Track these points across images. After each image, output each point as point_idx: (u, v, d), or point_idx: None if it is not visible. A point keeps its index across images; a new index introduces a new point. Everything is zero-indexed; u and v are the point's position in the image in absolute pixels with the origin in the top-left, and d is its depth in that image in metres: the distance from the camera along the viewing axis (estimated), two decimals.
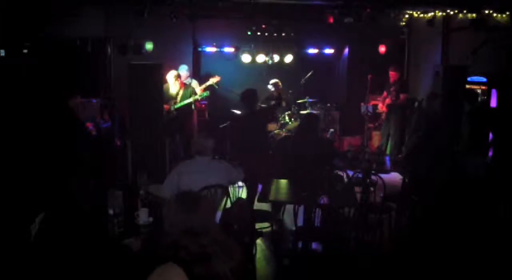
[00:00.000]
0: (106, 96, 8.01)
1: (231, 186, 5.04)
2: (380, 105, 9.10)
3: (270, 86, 9.13)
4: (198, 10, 8.46)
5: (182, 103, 7.99)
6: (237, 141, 6.46)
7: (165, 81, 7.90)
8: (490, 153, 7.00)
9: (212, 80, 8.35)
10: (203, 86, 8.37)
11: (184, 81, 8.30)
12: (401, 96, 8.73)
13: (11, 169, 5.62)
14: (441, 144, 6.59)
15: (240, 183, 5.23)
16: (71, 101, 6.63)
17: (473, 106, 6.73)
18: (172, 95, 7.99)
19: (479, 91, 7.59)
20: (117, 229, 3.76)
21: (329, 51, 10.15)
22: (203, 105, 9.21)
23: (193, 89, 8.19)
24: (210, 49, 9.57)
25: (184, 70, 8.44)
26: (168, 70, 8.09)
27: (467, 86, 7.66)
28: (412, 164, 6.69)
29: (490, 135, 6.86)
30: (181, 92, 8.09)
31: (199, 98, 8.14)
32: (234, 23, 9.28)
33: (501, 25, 7.83)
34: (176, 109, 8.00)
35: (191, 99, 7.96)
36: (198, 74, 9.55)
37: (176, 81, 8.05)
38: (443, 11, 8.49)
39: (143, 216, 3.94)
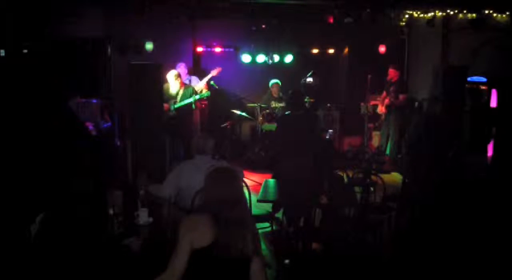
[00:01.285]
0: (106, 96, 8.01)
1: None
2: (379, 107, 9.11)
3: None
4: (198, 10, 8.46)
5: (182, 103, 7.98)
6: (285, 141, 5.96)
7: (165, 81, 7.90)
8: (490, 153, 7.01)
9: (213, 72, 8.33)
10: (205, 79, 8.35)
11: (184, 80, 8.31)
12: (400, 96, 8.72)
13: (11, 169, 5.62)
14: (441, 144, 6.59)
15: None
16: (71, 101, 6.64)
17: (475, 105, 6.72)
18: (172, 95, 7.99)
19: (481, 90, 7.60)
20: (117, 229, 3.76)
21: (329, 51, 10.15)
22: (204, 105, 9.21)
23: (193, 89, 8.19)
24: (210, 49, 9.57)
25: (182, 67, 8.44)
26: (168, 70, 8.09)
27: (470, 85, 7.67)
28: (412, 164, 6.68)
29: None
30: (181, 92, 8.08)
31: (199, 97, 8.13)
32: (234, 23, 9.28)
33: (501, 25, 7.84)
34: (176, 109, 8.00)
35: (191, 99, 7.96)
36: (198, 74, 9.55)
37: (176, 80, 8.05)
38: (443, 11, 8.49)
39: (143, 216, 3.94)
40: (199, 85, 8.35)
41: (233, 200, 2.76)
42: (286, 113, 6.20)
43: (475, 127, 6.50)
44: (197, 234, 2.69)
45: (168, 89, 7.96)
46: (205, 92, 8.16)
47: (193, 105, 8.14)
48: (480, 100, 6.93)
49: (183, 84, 8.16)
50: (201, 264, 2.70)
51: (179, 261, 2.68)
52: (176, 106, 7.99)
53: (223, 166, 3.16)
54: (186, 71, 8.56)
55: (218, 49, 9.60)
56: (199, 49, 9.52)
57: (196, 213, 2.83)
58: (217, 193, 2.78)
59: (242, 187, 2.95)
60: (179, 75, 8.14)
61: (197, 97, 8.03)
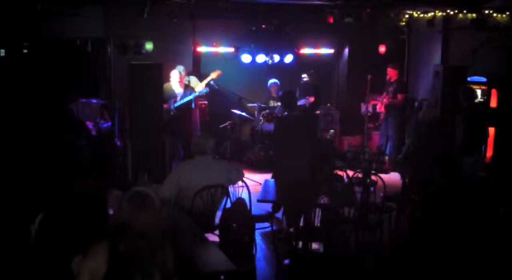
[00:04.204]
0: (106, 96, 8.01)
1: (231, 186, 5.04)
2: (378, 106, 9.11)
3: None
4: (198, 10, 8.45)
5: (182, 101, 7.99)
6: (283, 142, 5.91)
7: (167, 80, 7.90)
8: (485, 153, 7.02)
9: (213, 75, 8.33)
10: (204, 81, 8.35)
11: (184, 80, 8.31)
12: (399, 96, 8.72)
13: (11, 169, 5.62)
14: (441, 144, 6.59)
15: (240, 183, 5.23)
16: (69, 100, 6.64)
17: (468, 104, 6.71)
18: (173, 94, 7.99)
19: (478, 91, 7.59)
20: None
21: (329, 51, 10.15)
22: (204, 105, 9.21)
23: (193, 89, 8.19)
24: (210, 49, 9.57)
25: (181, 70, 8.44)
26: (169, 70, 8.09)
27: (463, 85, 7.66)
28: (412, 164, 6.69)
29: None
30: (182, 92, 8.10)
31: (198, 94, 8.11)
32: (234, 23, 9.27)
33: (501, 25, 7.83)
34: (176, 108, 8.00)
35: (191, 97, 7.96)
36: (198, 74, 9.55)
37: (179, 80, 8.06)
38: (443, 11, 8.48)
39: None
40: (198, 87, 8.35)
41: (133, 231, 2.35)
42: (283, 114, 6.21)
43: (469, 127, 6.49)
44: (94, 264, 2.40)
45: (169, 87, 7.95)
46: (204, 89, 8.15)
47: (193, 104, 8.13)
48: (474, 100, 6.92)
49: (183, 84, 8.17)
50: None
51: None
52: (176, 105, 7.99)
53: (140, 191, 2.74)
54: (185, 73, 8.55)
55: (218, 49, 9.60)
56: (199, 49, 9.52)
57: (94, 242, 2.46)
58: (122, 220, 2.46)
59: (151, 216, 2.52)
60: (180, 75, 8.15)
61: (197, 94, 8.03)
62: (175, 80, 8.00)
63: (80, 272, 2.43)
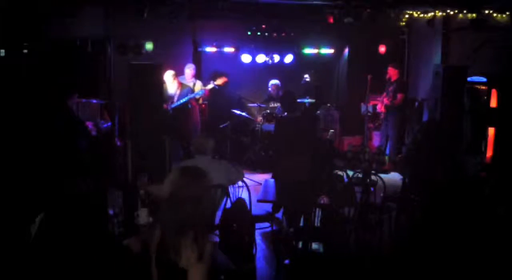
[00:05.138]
0: (106, 96, 8.01)
1: (231, 186, 5.04)
2: (378, 106, 9.11)
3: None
4: (198, 10, 8.46)
5: (178, 103, 8.00)
6: (283, 143, 5.93)
7: (163, 81, 7.91)
8: (486, 153, 7.01)
9: (218, 81, 8.33)
10: (208, 87, 8.35)
11: (189, 81, 8.31)
12: (398, 96, 8.72)
13: (11, 169, 5.62)
14: (441, 144, 6.59)
15: (240, 183, 5.23)
16: (70, 100, 6.63)
17: (474, 105, 6.72)
18: (169, 95, 8.00)
19: (480, 90, 7.60)
20: (117, 229, 3.76)
21: (329, 51, 10.15)
22: (203, 105, 9.22)
23: (190, 88, 8.19)
24: (210, 49, 9.57)
25: (191, 69, 8.44)
26: (171, 70, 8.11)
27: (469, 86, 7.67)
28: (412, 164, 6.69)
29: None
30: (178, 92, 8.10)
31: (194, 95, 8.11)
32: (234, 23, 9.27)
33: (501, 25, 7.84)
34: (173, 109, 8.00)
35: (186, 98, 7.97)
36: (199, 74, 9.55)
37: (174, 80, 8.06)
38: (443, 11, 8.49)
39: (143, 216, 3.94)
40: (202, 91, 8.34)
41: (176, 201, 2.67)
42: (283, 114, 6.21)
43: (474, 128, 6.50)
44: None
45: (165, 89, 7.97)
46: (199, 90, 8.15)
47: (189, 105, 8.14)
48: (479, 100, 6.92)
49: (180, 84, 8.17)
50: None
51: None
52: (173, 105, 8.00)
53: (186, 166, 3.03)
54: (194, 73, 8.54)
55: (218, 49, 9.61)
56: (199, 49, 9.52)
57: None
58: (173, 192, 2.74)
59: (198, 189, 2.75)
60: (176, 75, 8.15)
61: (191, 95, 8.03)
62: (169, 81, 8.01)
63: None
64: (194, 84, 8.37)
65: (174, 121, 7.97)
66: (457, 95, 7.35)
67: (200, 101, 8.56)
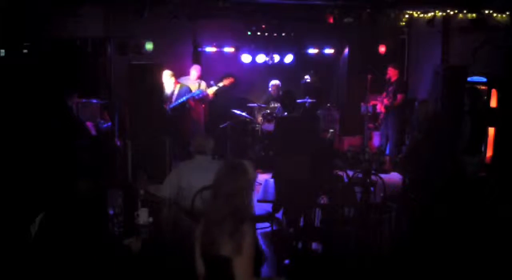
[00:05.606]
0: (106, 96, 8.01)
1: None
2: (378, 106, 9.11)
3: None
4: (198, 10, 8.45)
5: (175, 103, 8.00)
6: (283, 143, 5.94)
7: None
8: (486, 153, 7.01)
9: (225, 81, 8.32)
10: (213, 88, 8.33)
11: (194, 81, 8.31)
12: (398, 96, 8.72)
13: (11, 169, 5.62)
14: (441, 144, 6.59)
15: None
16: (69, 100, 6.64)
17: (474, 105, 6.71)
18: (167, 95, 8.00)
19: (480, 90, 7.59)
20: (117, 229, 3.76)
21: (329, 51, 10.15)
22: (203, 105, 9.22)
23: (188, 87, 8.19)
24: (210, 49, 9.57)
25: (197, 70, 8.43)
26: (167, 70, 8.10)
27: (469, 85, 7.67)
28: (412, 164, 6.69)
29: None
30: (176, 91, 8.10)
31: (192, 95, 8.11)
32: (234, 23, 9.27)
33: (501, 25, 7.84)
34: (172, 109, 8.00)
35: (184, 98, 7.98)
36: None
37: (170, 80, 8.05)
38: (443, 11, 8.48)
39: (143, 216, 3.94)
40: (208, 91, 8.33)
41: (215, 195, 2.84)
42: (283, 114, 6.21)
43: (474, 128, 6.50)
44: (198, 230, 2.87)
45: (163, 90, 7.97)
46: (197, 90, 8.15)
47: (187, 104, 8.13)
48: (479, 100, 6.91)
49: (177, 83, 8.17)
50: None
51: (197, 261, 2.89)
52: (171, 106, 8.00)
53: (232, 161, 3.21)
54: (200, 74, 8.52)
55: (218, 49, 9.60)
56: (199, 49, 9.52)
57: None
58: (215, 185, 2.91)
59: (240, 182, 2.90)
60: (174, 75, 8.14)
61: (189, 95, 8.03)
62: (167, 81, 8.01)
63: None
64: (199, 85, 8.35)
65: (173, 121, 7.96)
66: (457, 95, 7.35)
67: (206, 99, 8.51)
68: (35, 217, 3.41)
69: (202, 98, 8.34)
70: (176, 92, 8.09)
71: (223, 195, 2.81)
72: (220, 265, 2.74)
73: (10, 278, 3.23)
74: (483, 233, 5.26)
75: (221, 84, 8.30)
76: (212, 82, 8.45)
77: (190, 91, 8.16)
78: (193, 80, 8.38)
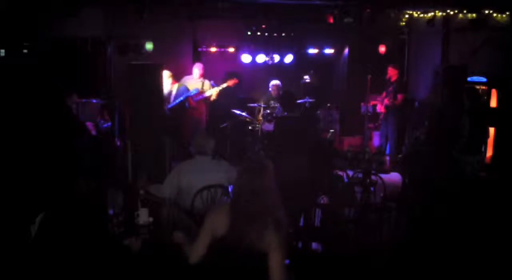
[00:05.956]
0: (106, 96, 8.01)
1: (231, 186, 5.04)
2: (378, 106, 9.11)
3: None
4: (198, 10, 8.45)
5: (174, 103, 8.00)
6: (283, 143, 5.96)
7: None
8: (487, 153, 7.01)
9: (228, 82, 8.31)
10: (217, 88, 8.32)
11: (198, 80, 8.30)
12: (398, 96, 8.71)
13: (11, 168, 5.63)
14: (441, 144, 6.60)
15: None
16: (69, 100, 6.63)
17: (473, 105, 6.72)
18: (164, 96, 8.00)
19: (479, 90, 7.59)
20: (117, 229, 3.76)
21: (329, 51, 10.15)
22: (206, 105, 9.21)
23: (186, 87, 8.18)
24: (210, 49, 9.57)
25: (200, 68, 8.42)
26: (170, 70, 8.10)
27: (468, 85, 7.67)
28: (412, 164, 6.69)
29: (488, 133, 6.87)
30: (174, 91, 8.09)
31: (189, 94, 8.10)
32: (234, 23, 9.27)
33: (501, 25, 7.84)
34: (170, 110, 8.00)
35: (181, 98, 7.97)
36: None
37: (168, 79, 8.05)
38: (443, 11, 8.49)
39: (143, 216, 3.94)
40: (211, 91, 8.33)
41: (250, 191, 2.87)
42: (282, 114, 6.21)
43: (474, 128, 6.50)
44: (216, 222, 2.91)
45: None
46: (193, 89, 8.13)
47: (187, 103, 8.12)
48: (479, 100, 6.92)
49: (174, 82, 8.17)
50: (216, 252, 2.90)
51: (199, 244, 2.94)
52: (169, 106, 8.00)
53: (256, 158, 3.33)
54: (203, 72, 8.50)
55: (218, 49, 9.60)
56: (199, 49, 9.52)
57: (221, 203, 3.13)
58: (240, 184, 2.95)
59: (266, 180, 2.98)
60: (171, 75, 8.14)
61: (187, 94, 8.02)
62: (165, 81, 8.01)
63: (202, 229, 2.95)
64: (203, 83, 8.34)
65: (172, 121, 7.96)
66: (457, 95, 7.35)
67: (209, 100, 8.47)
68: (35, 217, 3.41)
69: (205, 98, 8.33)
70: (174, 92, 8.09)
71: (253, 192, 2.87)
72: (254, 260, 2.80)
73: (10, 278, 3.23)
74: (483, 233, 5.26)
75: (225, 85, 8.29)
76: (212, 82, 8.43)
77: (188, 90, 8.15)
78: (196, 78, 8.36)
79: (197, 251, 2.95)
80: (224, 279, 2.89)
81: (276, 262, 2.79)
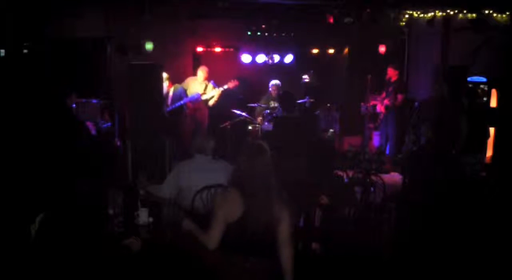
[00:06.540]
0: (106, 96, 8.01)
1: None
2: (378, 106, 9.11)
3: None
4: (198, 10, 8.46)
5: (174, 106, 8.02)
6: (282, 143, 5.91)
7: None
8: (487, 153, 7.00)
9: (229, 84, 8.32)
10: (219, 89, 8.33)
11: (202, 82, 8.30)
12: (398, 96, 8.71)
13: (11, 168, 5.62)
14: (441, 144, 6.59)
15: None
16: (69, 100, 6.63)
17: (472, 104, 6.72)
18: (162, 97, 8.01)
19: (478, 90, 7.59)
20: (117, 229, 3.76)
21: (329, 51, 10.15)
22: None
23: (183, 88, 8.19)
24: (210, 49, 9.56)
25: (204, 71, 8.43)
26: (169, 70, 8.10)
27: (470, 85, 7.68)
28: (412, 164, 6.69)
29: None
30: (170, 93, 8.10)
31: (190, 99, 8.12)
32: (234, 23, 9.27)
33: (501, 25, 7.84)
34: (169, 113, 8.01)
35: (181, 102, 7.99)
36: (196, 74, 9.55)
37: (165, 82, 8.06)
38: (443, 11, 8.49)
39: (143, 216, 3.94)
40: (213, 92, 8.33)
41: (256, 173, 3.10)
42: (281, 115, 6.22)
43: (474, 128, 6.50)
44: (228, 209, 3.08)
45: None
46: (194, 94, 8.15)
47: (185, 106, 8.14)
48: (477, 100, 6.92)
49: (171, 85, 8.18)
50: (233, 236, 3.07)
51: (215, 231, 3.10)
52: (168, 109, 8.01)
53: (256, 143, 3.42)
54: (207, 75, 8.50)
55: (218, 49, 9.60)
56: (199, 49, 9.52)
57: (226, 190, 3.31)
58: (247, 167, 3.13)
59: (268, 160, 3.21)
60: (168, 78, 8.14)
61: (187, 99, 8.04)
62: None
63: (217, 216, 3.10)
64: (206, 86, 8.34)
65: (172, 124, 7.96)
66: (457, 95, 7.35)
67: (211, 103, 8.47)
68: (35, 217, 3.41)
69: (206, 100, 8.33)
70: (170, 94, 8.09)
71: (261, 173, 3.13)
72: (266, 233, 3.05)
73: (10, 278, 3.23)
74: (483, 233, 5.26)
75: (225, 87, 8.30)
76: (212, 82, 8.44)
77: (185, 92, 8.15)
78: (200, 81, 8.36)
79: (215, 237, 3.10)
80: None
81: (285, 234, 3.10)
